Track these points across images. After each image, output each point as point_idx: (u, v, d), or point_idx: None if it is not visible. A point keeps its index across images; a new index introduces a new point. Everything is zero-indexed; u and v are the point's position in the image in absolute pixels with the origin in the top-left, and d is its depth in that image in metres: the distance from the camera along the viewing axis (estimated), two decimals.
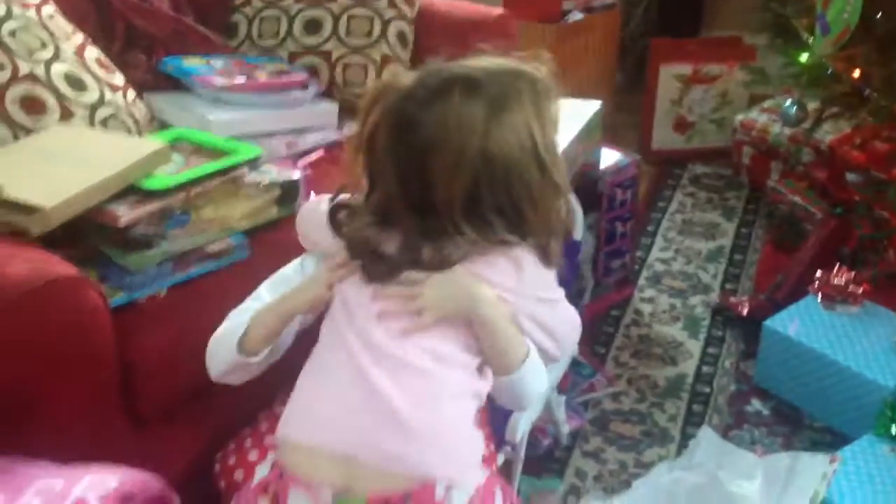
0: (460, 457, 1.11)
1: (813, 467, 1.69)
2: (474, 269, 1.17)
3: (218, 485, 1.49)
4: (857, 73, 2.00)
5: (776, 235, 2.62)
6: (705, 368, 2.17)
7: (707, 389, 2.10)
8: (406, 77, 1.19)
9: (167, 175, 1.53)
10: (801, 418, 2.01)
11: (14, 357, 1.25)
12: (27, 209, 1.38)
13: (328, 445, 1.07)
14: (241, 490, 1.27)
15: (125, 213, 1.45)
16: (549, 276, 1.25)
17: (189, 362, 1.48)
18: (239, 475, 1.48)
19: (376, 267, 1.17)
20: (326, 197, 1.34)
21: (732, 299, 2.36)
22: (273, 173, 1.69)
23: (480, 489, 1.10)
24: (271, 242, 1.63)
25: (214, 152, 1.65)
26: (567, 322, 1.31)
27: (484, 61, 1.19)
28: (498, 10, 2.23)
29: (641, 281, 2.52)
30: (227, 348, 1.26)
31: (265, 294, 1.36)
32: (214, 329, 1.39)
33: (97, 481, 1.18)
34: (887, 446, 1.78)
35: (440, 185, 1.13)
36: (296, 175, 1.69)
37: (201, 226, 1.57)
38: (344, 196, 1.28)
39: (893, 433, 1.79)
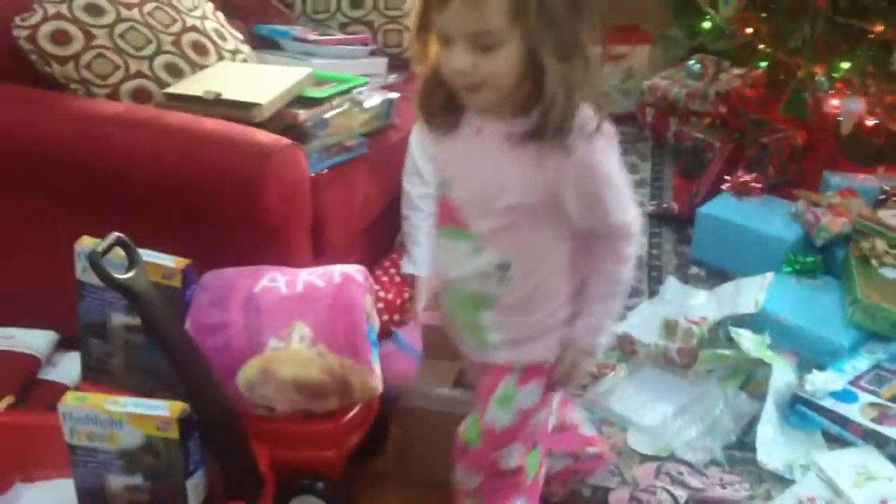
0: None
1: (752, 284, 2.48)
2: None
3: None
4: (749, 30, 2.83)
5: (683, 167, 3.45)
6: (654, 251, 2.95)
7: (658, 263, 2.87)
8: None
9: (316, 90, 2.17)
10: (727, 274, 2.79)
11: (269, 199, 1.85)
12: (241, 106, 1.98)
13: None
14: None
15: (303, 113, 2.07)
16: None
17: (350, 214, 2.14)
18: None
19: None
20: None
21: (664, 205, 3.15)
22: (372, 96, 2.33)
23: None
24: (380, 144, 2.29)
25: (332, 81, 2.29)
26: None
27: None
28: None
29: None
30: None
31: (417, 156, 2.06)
32: (364, 194, 2.09)
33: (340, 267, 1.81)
34: (793, 279, 2.60)
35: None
36: (389, 95, 2.35)
37: (335, 129, 2.20)
38: None
39: (796, 269, 2.62)
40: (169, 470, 1.44)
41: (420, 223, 2.21)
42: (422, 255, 2.19)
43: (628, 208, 1.34)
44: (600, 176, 1.27)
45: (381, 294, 2.16)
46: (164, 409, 1.43)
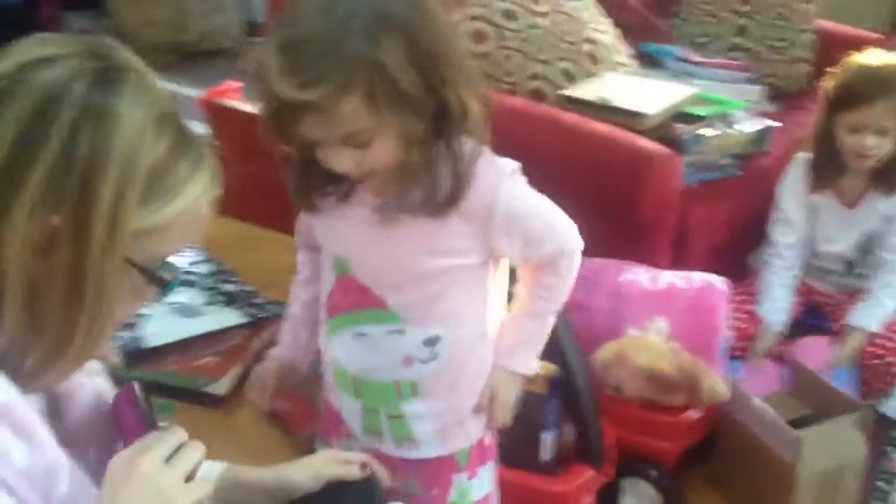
0: None
1: None
2: None
3: None
4: None
5: None
6: None
7: None
8: None
9: (696, 108, 2.28)
10: None
11: (645, 200, 1.99)
12: (629, 114, 2.14)
13: None
14: None
15: (682, 127, 2.19)
16: None
17: (712, 229, 2.22)
18: None
19: None
20: None
21: None
22: (749, 121, 2.40)
23: None
24: (751, 168, 2.36)
25: (712, 102, 2.38)
26: None
27: None
28: None
29: None
30: None
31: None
32: (729, 213, 2.16)
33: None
34: None
35: None
36: (768, 123, 2.40)
37: (710, 147, 2.29)
38: None
39: None
40: (529, 420, 1.61)
41: (781, 272, 2.18)
42: (772, 304, 2.16)
43: (563, 230, 1.25)
44: (527, 211, 1.20)
45: (735, 316, 2.17)
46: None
